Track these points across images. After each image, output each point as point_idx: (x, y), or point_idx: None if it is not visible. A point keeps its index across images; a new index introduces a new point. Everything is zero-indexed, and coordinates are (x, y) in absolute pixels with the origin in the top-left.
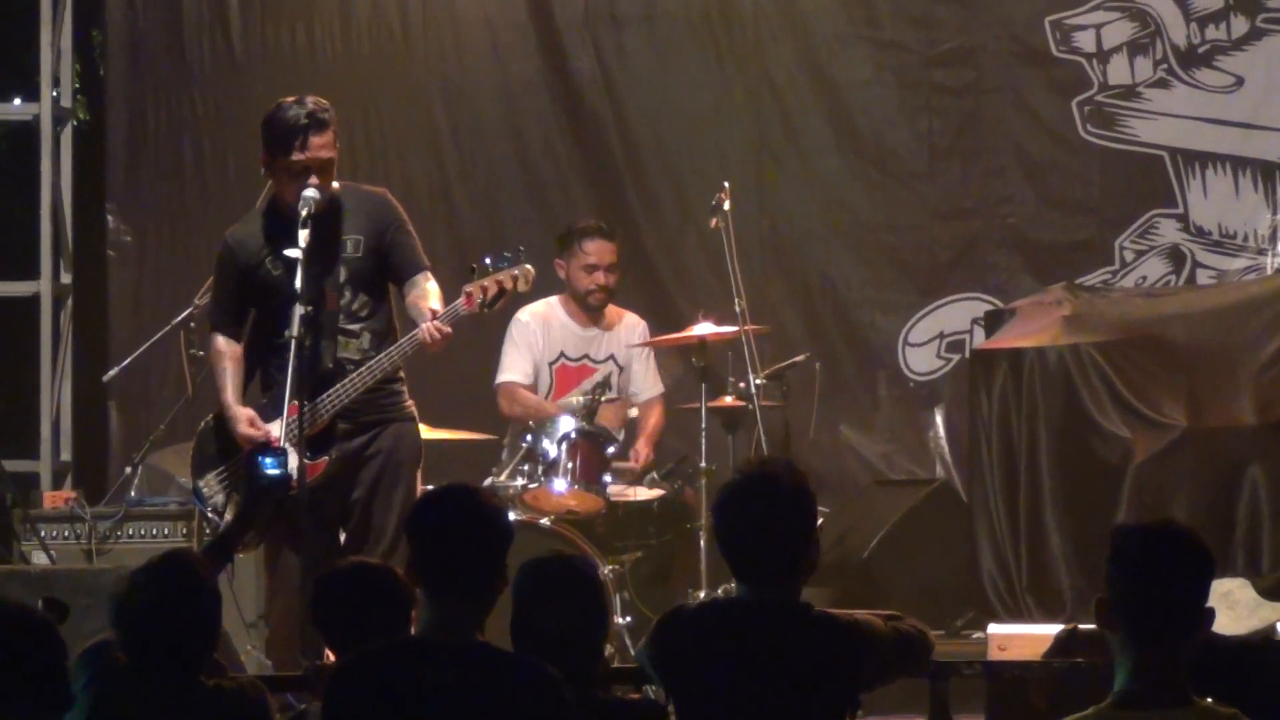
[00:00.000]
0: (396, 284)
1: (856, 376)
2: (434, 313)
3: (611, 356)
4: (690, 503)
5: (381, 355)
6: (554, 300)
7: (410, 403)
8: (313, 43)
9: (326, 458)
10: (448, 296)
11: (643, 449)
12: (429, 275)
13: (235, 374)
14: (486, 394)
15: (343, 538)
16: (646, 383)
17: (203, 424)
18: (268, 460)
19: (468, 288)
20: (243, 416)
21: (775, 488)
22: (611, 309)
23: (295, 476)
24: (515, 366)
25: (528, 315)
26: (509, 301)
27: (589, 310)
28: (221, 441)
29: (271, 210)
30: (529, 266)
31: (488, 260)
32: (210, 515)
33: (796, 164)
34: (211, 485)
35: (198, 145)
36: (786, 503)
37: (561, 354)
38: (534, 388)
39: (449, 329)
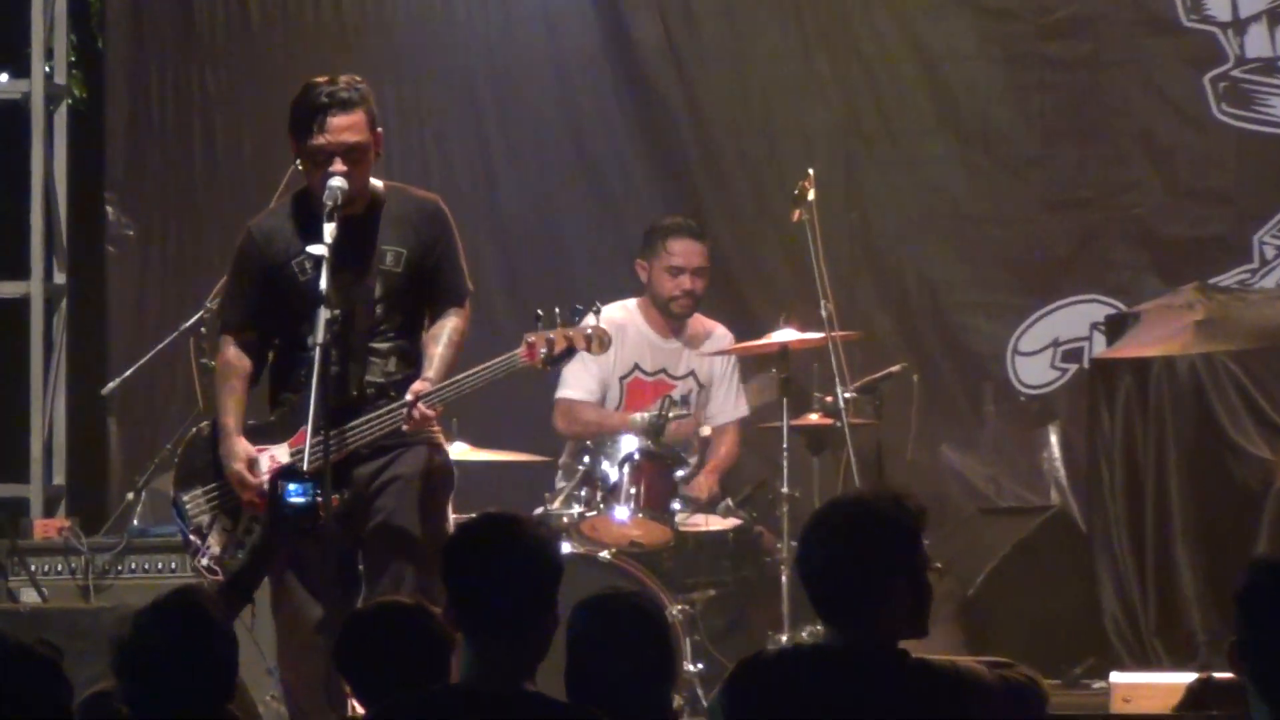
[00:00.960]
0: (428, 308)
1: (959, 390)
2: (416, 393)
3: (692, 373)
4: (769, 534)
5: (384, 413)
6: (632, 304)
7: (437, 428)
8: (340, 9)
9: (336, 495)
10: (490, 316)
11: (706, 480)
12: (462, 309)
13: (243, 396)
14: (540, 410)
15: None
16: (726, 405)
17: (194, 430)
18: (292, 487)
19: (530, 337)
20: (241, 454)
21: (866, 518)
22: (699, 319)
23: (321, 505)
24: (579, 382)
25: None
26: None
27: (671, 319)
28: (217, 455)
29: (302, 205)
30: (605, 328)
31: (556, 310)
32: (191, 537)
33: (890, 148)
34: (198, 503)
35: (209, 126)
36: (878, 536)
37: (636, 366)
38: (601, 405)
39: (433, 412)
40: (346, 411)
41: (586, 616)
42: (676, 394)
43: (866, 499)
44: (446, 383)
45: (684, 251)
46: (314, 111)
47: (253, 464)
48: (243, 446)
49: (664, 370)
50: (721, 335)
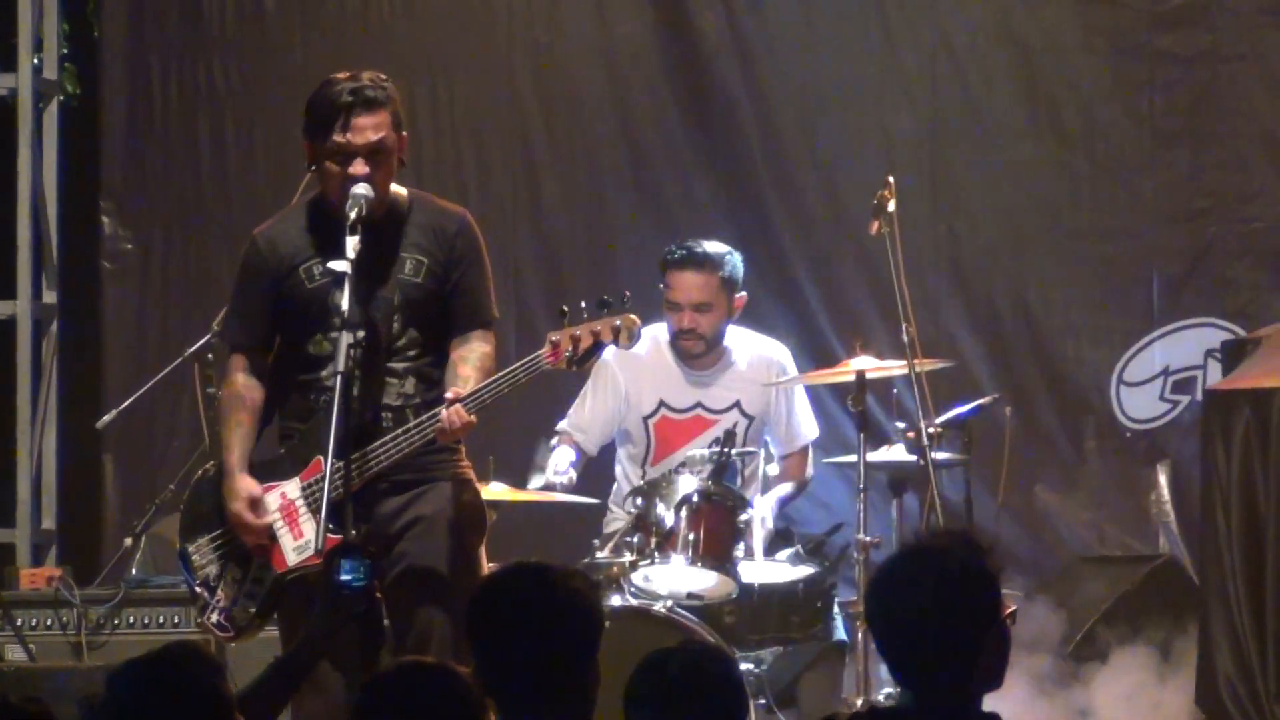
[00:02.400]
0: (450, 331)
1: (1057, 424)
2: (455, 395)
3: (737, 404)
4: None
5: (411, 427)
6: (662, 330)
7: (466, 465)
8: None
9: (354, 531)
10: (534, 334)
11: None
12: (488, 334)
13: (250, 430)
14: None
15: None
16: (790, 429)
17: (200, 473)
18: (345, 564)
19: (554, 336)
20: (241, 492)
21: (940, 567)
22: (738, 336)
23: (374, 587)
24: (574, 414)
25: (612, 354)
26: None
27: (688, 355)
28: (222, 499)
29: (316, 213)
30: (633, 316)
31: (582, 305)
32: (198, 590)
33: (981, 152)
34: (204, 552)
35: (218, 128)
36: (955, 587)
37: (661, 404)
38: (587, 446)
39: (472, 417)
40: (360, 436)
41: (648, 673)
42: (718, 430)
43: (938, 546)
44: (479, 387)
45: (681, 285)
46: (336, 110)
47: (255, 504)
48: (244, 484)
49: (699, 405)
50: (768, 354)
